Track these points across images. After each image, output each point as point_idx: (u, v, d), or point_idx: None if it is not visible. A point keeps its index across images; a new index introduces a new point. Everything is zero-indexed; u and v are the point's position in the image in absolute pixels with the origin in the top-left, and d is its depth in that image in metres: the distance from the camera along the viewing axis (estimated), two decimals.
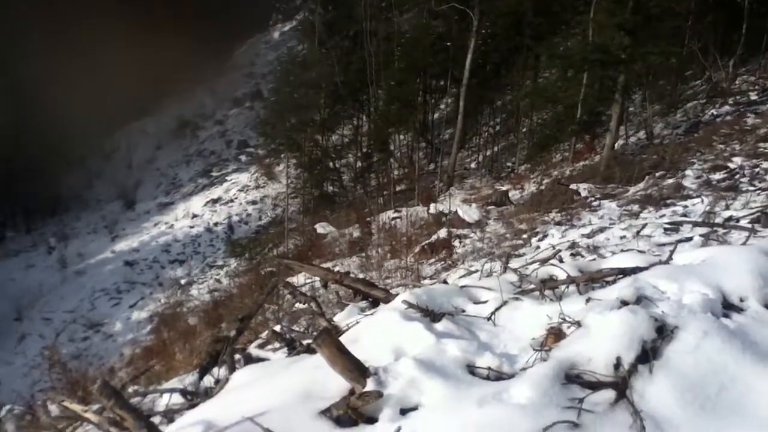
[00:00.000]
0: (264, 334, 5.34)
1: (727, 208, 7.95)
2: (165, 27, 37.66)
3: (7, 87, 36.80)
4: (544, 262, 4.91)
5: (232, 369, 4.22)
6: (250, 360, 4.46)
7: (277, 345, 4.74)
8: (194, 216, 34.05)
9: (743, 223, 6.47)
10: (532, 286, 3.85)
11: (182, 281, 26.63)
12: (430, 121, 30.43)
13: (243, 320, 5.21)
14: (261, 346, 4.91)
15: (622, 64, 14.29)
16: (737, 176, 10.07)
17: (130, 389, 5.13)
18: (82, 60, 37.26)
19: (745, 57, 18.81)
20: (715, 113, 16.82)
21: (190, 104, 48.41)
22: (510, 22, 25.23)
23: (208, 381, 4.53)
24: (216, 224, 32.70)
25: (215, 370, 4.56)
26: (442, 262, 10.91)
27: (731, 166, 10.78)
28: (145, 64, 37.62)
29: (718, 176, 10.44)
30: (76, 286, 29.42)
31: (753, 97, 16.83)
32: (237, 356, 4.55)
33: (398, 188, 26.39)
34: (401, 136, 29.67)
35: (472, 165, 27.19)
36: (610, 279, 3.70)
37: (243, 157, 40.22)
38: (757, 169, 10.14)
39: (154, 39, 37.25)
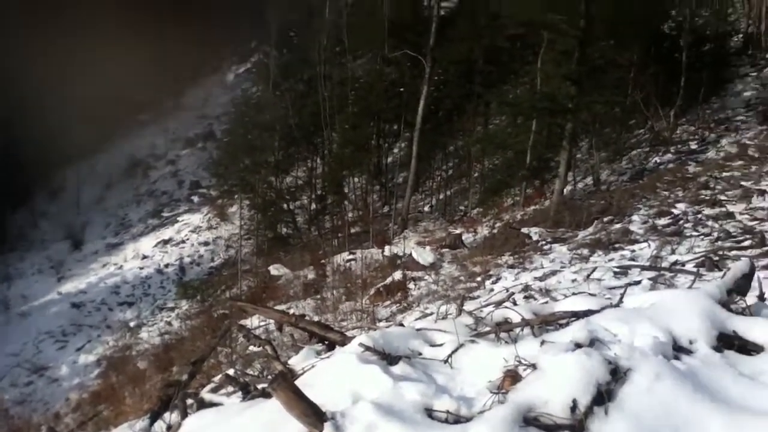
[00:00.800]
0: (217, 378, 5.23)
1: (673, 252, 8.20)
2: (118, 63, 37.25)
3: None
4: (498, 304, 4.98)
5: (184, 414, 4.12)
6: (203, 405, 4.36)
7: (230, 389, 4.65)
8: (144, 257, 33.32)
9: (689, 267, 6.68)
10: (488, 328, 3.88)
11: (131, 324, 25.89)
12: (384, 164, 30.69)
13: (195, 364, 5.10)
14: (214, 391, 4.80)
15: (569, 113, 14.75)
16: (681, 222, 10.41)
17: None
18: (30, 92, 36.37)
19: (684, 107, 19.64)
20: (658, 161, 17.44)
21: (142, 143, 47.76)
22: (461, 70, 25.88)
23: (159, 427, 4.41)
24: (167, 265, 32.03)
25: (167, 415, 4.44)
26: (398, 305, 10.91)
27: (675, 212, 11.15)
28: (96, 100, 36.98)
29: (663, 222, 10.77)
30: (20, 328, 28.28)
31: (693, 146, 17.53)
32: (189, 401, 4.44)
33: (353, 230, 26.37)
34: (356, 179, 29.81)
35: (426, 208, 27.43)
36: (563, 321, 3.75)
37: (195, 198, 39.72)
38: (699, 215, 10.51)
39: (107, 75, 36.80)
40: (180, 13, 42.78)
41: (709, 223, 9.90)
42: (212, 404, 4.35)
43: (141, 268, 32.10)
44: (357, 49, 31.06)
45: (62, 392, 21.35)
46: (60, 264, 34.97)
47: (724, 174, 12.94)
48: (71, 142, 38.47)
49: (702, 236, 9.04)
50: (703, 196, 11.79)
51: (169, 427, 4.18)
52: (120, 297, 29.79)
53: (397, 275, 12.44)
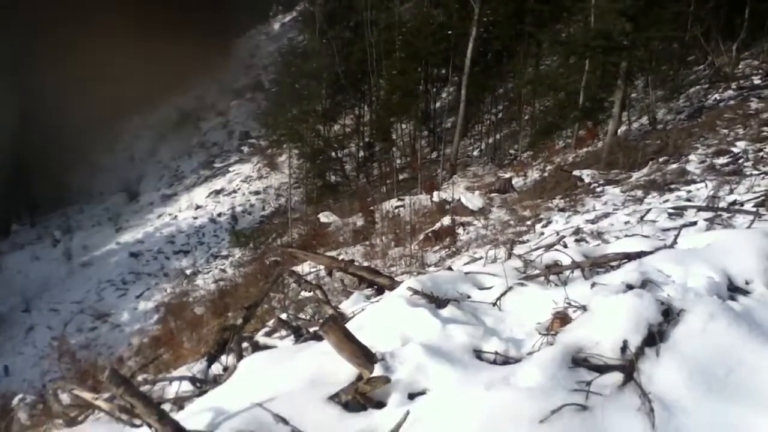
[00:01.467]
0: (270, 323, 5.37)
1: (731, 192, 7.94)
2: (166, 20, 37.56)
3: (11, 84, 36.85)
4: (548, 248, 4.92)
5: (239, 357, 4.24)
6: (257, 348, 4.48)
7: (283, 333, 4.77)
8: (197, 207, 34.07)
9: (747, 207, 6.45)
10: (537, 271, 3.86)
11: (187, 272, 26.67)
12: (432, 110, 30.37)
13: (249, 309, 5.23)
14: (268, 334, 4.94)
15: (624, 50, 14.23)
16: (741, 161, 10.05)
17: (140, 377, 5.17)
18: (84, 55, 37.09)
19: (748, 41, 18.72)
20: (718, 98, 16.76)
21: (192, 96, 48.34)
22: (511, 10, 25.11)
23: (216, 369, 4.56)
24: (219, 215, 32.72)
25: (223, 358, 4.59)
26: (446, 250, 10.92)
27: (735, 150, 10.76)
28: (147, 58, 37.53)
29: (722, 161, 10.42)
30: (82, 277, 29.49)
31: (756, 81, 16.76)
32: (244, 344, 4.57)
33: (401, 177, 26.35)
34: (403, 126, 29.63)
35: (475, 153, 27.16)
36: (614, 264, 3.70)
37: (245, 148, 40.19)
38: (760, 154, 10.12)
39: (154, 32, 37.16)
40: None
41: None
42: (266, 347, 4.47)
43: (195, 218, 32.87)
44: None
45: (124, 337, 22.31)
46: (117, 215, 36.09)
47: None
48: (122, 101, 39.28)
49: (763, 175, 8.71)
50: (765, 133, 11.33)
51: (225, 369, 4.32)
52: (175, 246, 30.64)
53: (446, 221, 12.41)
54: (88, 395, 4.10)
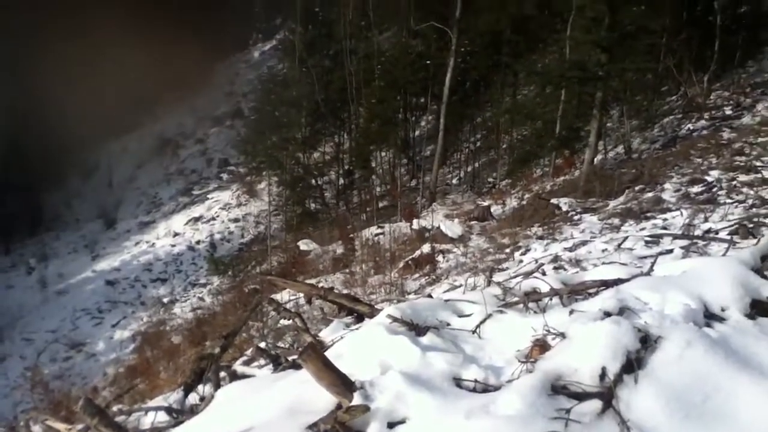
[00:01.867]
0: (249, 351, 5.32)
1: (706, 220, 8.06)
2: (145, 46, 37.54)
3: None
4: (527, 275, 4.95)
5: (217, 386, 4.19)
6: (235, 377, 4.44)
7: (262, 362, 4.73)
8: (176, 234, 33.82)
9: (722, 235, 6.55)
10: (516, 298, 3.87)
11: (165, 300, 26.39)
12: (411, 138, 30.59)
13: (227, 337, 5.18)
14: (246, 363, 4.88)
15: (599, 81, 14.50)
16: (715, 189, 10.22)
17: (115, 408, 5.08)
18: (63, 80, 36.98)
19: (718, 72, 19.18)
20: (691, 128, 17.09)
21: (171, 123, 48.27)
22: (488, 40, 25.54)
23: (193, 398, 4.50)
24: (198, 242, 32.50)
25: (200, 387, 4.53)
26: (426, 277, 10.93)
27: (709, 179, 10.95)
28: (125, 83, 37.45)
29: (696, 189, 10.59)
30: (57, 306, 29.03)
31: (728, 112, 17.13)
32: (222, 373, 4.52)
33: (381, 205, 26.43)
34: (383, 153, 29.79)
35: (454, 181, 27.35)
36: (592, 291, 3.72)
37: (224, 176, 40.10)
38: (734, 182, 10.30)
39: (134, 58, 37.15)
40: None
41: (744, 189, 9.70)
42: (244, 376, 4.42)
43: (173, 246, 32.61)
44: (383, 23, 30.87)
45: (99, 367, 21.93)
46: (94, 243, 35.69)
47: (760, 140, 12.64)
48: (102, 124, 39.07)
49: (736, 203, 8.86)
50: (737, 163, 11.54)
51: (202, 399, 4.26)
52: (153, 274, 30.34)
53: (426, 248, 12.44)
54: (61, 426, 4.02)
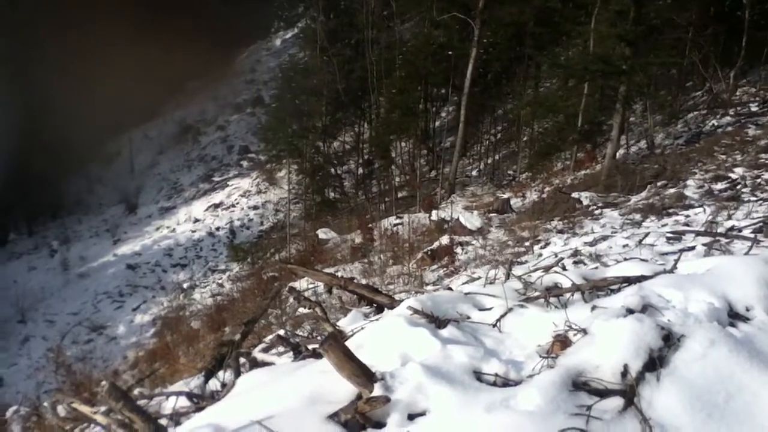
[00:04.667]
0: (268, 339, 5.35)
1: (729, 218, 7.97)
2: (167, 33, 37.74)
3: (11, 92, 36.95)
4: (547, 269, 4.93)
5: (237, 373, 4.24)
6: (255, 364, 4.47)
7: (281, 349, 4.75)
8: (196, 220, 34.07)
9: (746, 233, 6.49)
10: (537, 293, 3.86)
11: (185, 285, 26.64)
12: (431, 128, 30.50)
13: (247, 324, 5.23)
14: (266, 350, 4.92)
15: (623, 75, 14.35)
16: (739, 186, 10.11)
17: (136, 391, 5.14)
18: (85, 65, 37.30)
19: (745, 68, 18.91)
20: (716, 124, 16.89)
21: (193, 110, 48.52)
22: (511, 32, 25.33)
23: (213, 384, 4.55)
24: (218, 229, 32.72)
25: (221, 373, 4.58)
26: (445, 269, 10.92)
27: (733, 176, 10.83)
28: (148, 70, 37.68)
29: (719, 186, 10.48)
30: (79, 289, 29.42)
31: (754, 108, 16.90)
32: (242, 360, 4.56)
33: (400, 195, 26.43)
34: (402, 144, 29.75)
35: (474, 173, 27.25)
36: (614, 287, 3.71)
37: (244, 163, 40.26)
38: (758, 180, 10.18)
39: (156, 45, 37.34)
40: None
41: None
42: (264, 363, 4.46)
43: (193, 231, 32.88)
44: (405, 13, 30.71)
45: (120, 350, 22.23)
46: (116, 227, 36.06)
47: None
48: (124, 111, 39.40)
49: (760, 201, 8.76)
50: (762, 160, 11.41)
51: (223, 385, 4.31)
52: (173, 259, 30.62)
53: (444, 240, 12.42)
54: (86, 409, 4.08)
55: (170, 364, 11.21)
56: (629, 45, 14.13)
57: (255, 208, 34.00)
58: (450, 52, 25.26)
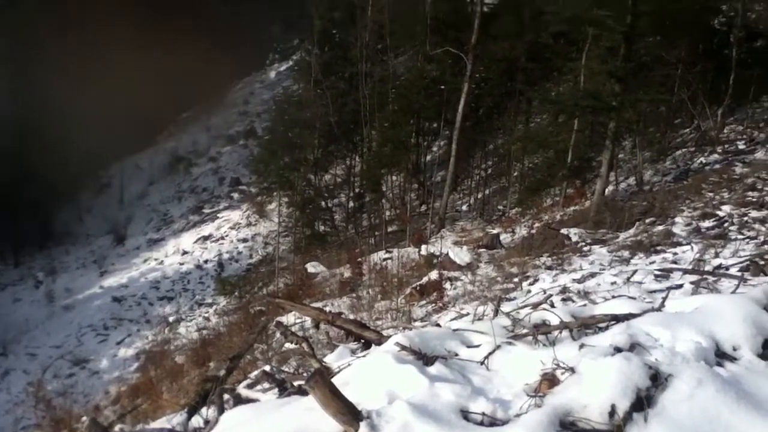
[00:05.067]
0: (254, 374, 5.28)
1: (717, 256, 8.01)
2: (162, 63, 38.01)
3: (2, 111, 36.97)
4: (535, 306, 4.93)
5: (221, 410, 4.16)
6: (239, 401, 4.41)
7: (267, 385, 4.69)
8: (184, 253, 33.89)
9: (733, 271, 6.51)
10: (525, 330, 3.85)
11: (170, 318, 26.36)
12: (422, 162, 30.65)
13: (233, 359, 5.16)
14: (250, 386, 4.85)
15: (613, 111, 14.51)
16: (726, 224, 10.17)
17: (117, 428, 5.05)
18: (77, 94, 37.38)
19: (733, 106, 19.20)
20: (704, 161, 17.06)
21: (185, 140, 48.69)
22: (503, 68, 25.68)
23: (196, 421, 4.46)
24: (206, 261, 32.54)
25: (204, 410, 4.50)
26: (433, 305, 10.87)
27: (720, 214, 10.90)
28: (140, 99, 37.82)
29: (707, 224, 10.54)
30: (63, 321, 29.06)
31: (741, 146, 17.11)
32: (226, 396, 4.49)
33: (390, 229, 26.44)
34: (394, 177, 29.84)
35: (464, 207, 27.33)
36: (603, 325, 3.70)
37: (235, 195, 40.26)
38: (745, 218, 10.25)
39: (150, 75, 37.60)
40: (220, 15, 43.53)
41: (756, 226, 9.65)
42: (249, 400, 4.39)
43: (181, 264, 32.68)
44: (398, 47, 31.10)
45: (102, 385, 21.87)
46: (103, 258, 35.80)
47: None
48: (115, 141, 39.44)
49: (747, 239, 8.81)
50: (749, 198, 11.50)
51: (206, 422, 4.23)
52: (160, 292, 30.36)
53: (434, 275, 12.39)
54: None
55: (153, 400, 11.04)
56: (619, 81, 14.32)
57: (244, 240, 33.89)
58: (442, 87, 25.51)
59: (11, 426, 14.43)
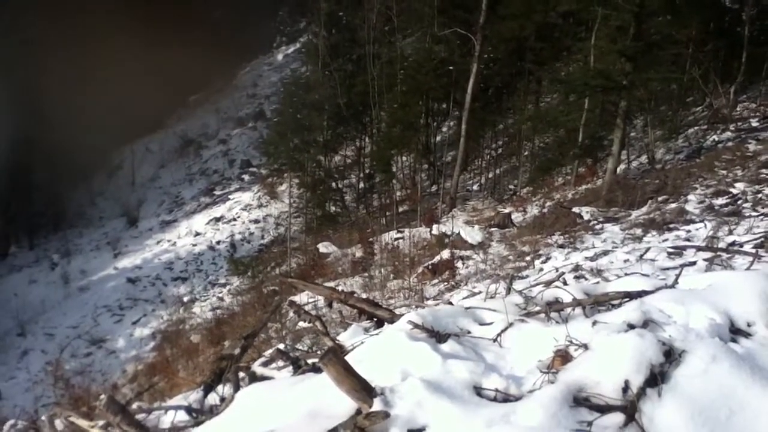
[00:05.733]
0: (268, 353, 5.33)
1: (730, 233, 7.96)
2: (170, 47, 37.96)
3: (11, 103, 37.05)
4: (548, 284, 4.91)
5: (236, 387, 4.21)
6: (254, 378, 4.46)
7: (281, 363, 4.73)
8: (197, 234, 34.05)
9: (747, 248, 6.47)
10: (538, 308, 3.85)
11: (185, 299, 26.58)
12: (432, 143, 30.54)
13: (247, 338, 5.21)
14: (265, 365, 4.89)
15: (624, 90, 14.38)
16: (740, 202, 10.09)
17: (135, 405, 5.12)
18: (87, 78, 37.49)
19: (745, 84, 18.97)
20: (716, 139, 16.91)
21: (194, 123, 48.69)
22: (512, 47, 25.45)
23: (212, 399, 4.52)
24: (218, 242, 32.70)
25: (220, 388, 4.55)
26: (445, 283, 10.90)
27: (733, 191, 10.82)
28: (150, 83, 37.85)
29: (720, 201, 10.47)
30: (79, 302, 29.36)
31: (754, 123, 16.93)
32: (241, 374, 4.55)
33: (401, 209, 26.44)
34: (404, 158, 29.77)
35: (475, 187, 27.26)
36: (616, 302, 3.69)
37: (246, 177, 40.31)
38: (759, 195, 10.17)
39: (158, 58, 37.57)
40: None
41: None
42: (264, 378, 4.44)
43: (194, 245, 32.85)
44: (406, 28, 30.82)
45: (119, 364, 22.15)
46: (116, 240, 36.03)
47: None
48: (126, 124, 39.54)
49: (761, 216, 8.74)
50: (763, 175, 11.40)
51: (222, 400, 4.29)
52: (173, 272, 30.57)
53: (445, 254, 12.40)
54: (84, 423, 4.06)
55: (169, 378, 11.16)
56: (629, 60, 14.17)
57: (256, 221, 34.00)
58: (451, 68, 25.33)
59: (31, 404, 14.65)
